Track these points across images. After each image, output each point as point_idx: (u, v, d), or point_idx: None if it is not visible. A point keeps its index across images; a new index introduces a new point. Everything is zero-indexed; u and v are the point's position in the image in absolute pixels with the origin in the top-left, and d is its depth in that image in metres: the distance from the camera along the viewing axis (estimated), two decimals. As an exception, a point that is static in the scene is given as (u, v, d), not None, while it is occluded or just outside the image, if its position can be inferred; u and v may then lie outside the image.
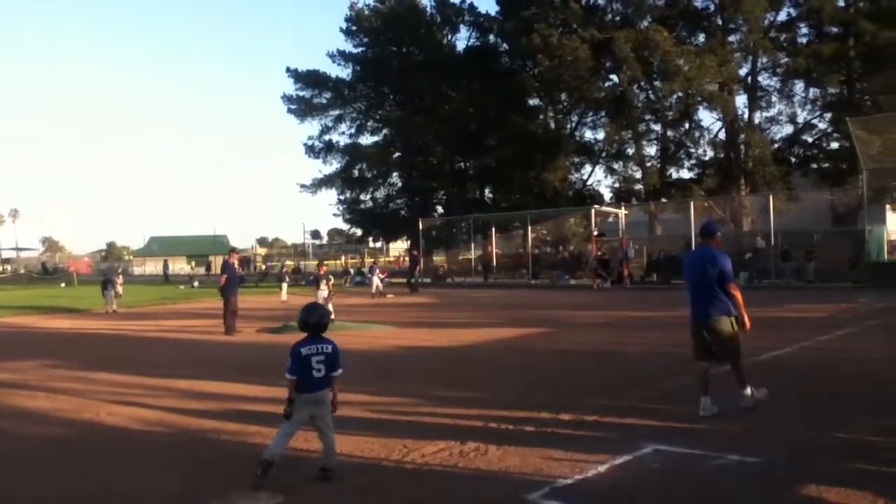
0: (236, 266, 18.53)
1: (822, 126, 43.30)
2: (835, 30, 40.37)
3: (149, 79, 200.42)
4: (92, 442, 6.96)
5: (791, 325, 15.64)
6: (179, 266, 74.22)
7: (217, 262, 51.20)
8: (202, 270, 66.46)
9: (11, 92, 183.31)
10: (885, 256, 27.02)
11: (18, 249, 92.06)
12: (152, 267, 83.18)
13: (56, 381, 10.30)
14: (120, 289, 33.68)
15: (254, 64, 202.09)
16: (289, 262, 57.15)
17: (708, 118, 67.30)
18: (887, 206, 37.31)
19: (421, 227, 42.07)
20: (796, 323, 15.89)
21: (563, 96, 47.13)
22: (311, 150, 52.44)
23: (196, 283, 44.55)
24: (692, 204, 32.96)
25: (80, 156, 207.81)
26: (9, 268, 78.90)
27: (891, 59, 35.93)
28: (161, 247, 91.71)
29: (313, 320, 5.59)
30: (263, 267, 57.80)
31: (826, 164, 42.62)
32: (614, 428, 6.68)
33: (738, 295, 7.17)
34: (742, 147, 41.66)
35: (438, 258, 48.88)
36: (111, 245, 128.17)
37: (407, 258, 34.00)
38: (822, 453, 5.81)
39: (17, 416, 8.14)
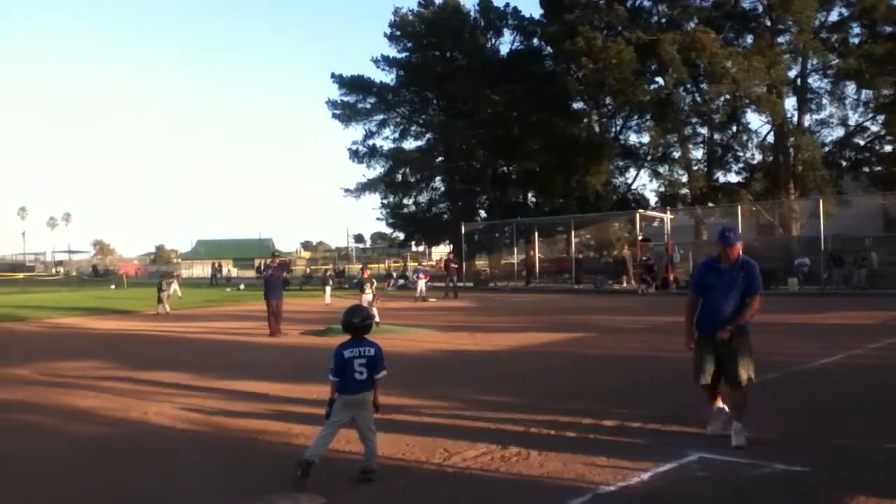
0: (279, 270, 18.66)
1: (874, 129, 42.37)
2: (888, 29, 39.40)
3: (196, 86, 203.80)
4: (138, 441, 7.08)
5: (840, 331, 15.32)
6: (228, 268, 75.23)
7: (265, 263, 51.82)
8: (250, 273, 67.30)
9: (65, 98, 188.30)
10: (940, 262, 26.28)
11: (70, 252, 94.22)
12: (199, 270, 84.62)
13: (105, 381, 10.50)
14: (179, 290, 34.45)
15: (299, 69, 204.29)
16: (332, 266, 57.68)
17: (756, 121, 65.83)
18: (943, 211, 36.39)
19: (463, 231, 42.09)
20: (846, 330, 15.57)
21: (608, 99, 46.82)
22: (355, 154, 52.84)
23: (242, 286, 45.17)
24: (739, 208, 32.42)
25: (130, 161, 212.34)
26: (61, 270, 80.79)
27: (946, 59, 35.00)
28: (208, 250, 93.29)
29: (356, 321, 5.64)
30: (307, 270, 58.28)
31: (878, 168, 41.63)
32: (658, 435, 6.60)
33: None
34: (791, 150, 40.91)
35: (481, 262, 48.84)
36: (160, 248, 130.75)
37: (444, 265, 33.92)
38: (870, 464, 5.67)
39: (67, 415, 8.32)
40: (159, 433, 7.34)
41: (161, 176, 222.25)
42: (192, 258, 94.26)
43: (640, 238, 34.03)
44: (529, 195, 52.64)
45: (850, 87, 42.04)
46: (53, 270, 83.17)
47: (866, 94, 41.88)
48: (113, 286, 49.95)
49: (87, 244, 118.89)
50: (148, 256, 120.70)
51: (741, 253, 6.43)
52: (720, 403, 6.38)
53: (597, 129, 48.75)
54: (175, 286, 34.91)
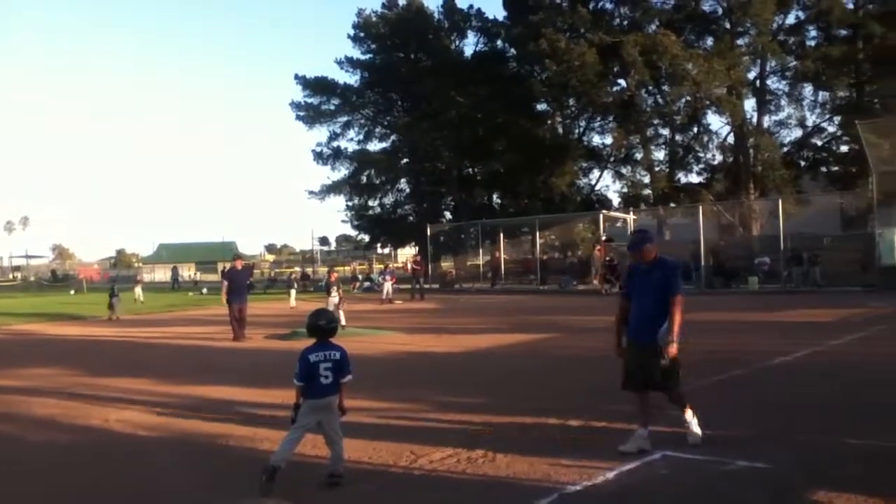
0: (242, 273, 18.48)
1: (831, 129, 43.20)
2: (843, 32, 40.23)
3: (156, 86, 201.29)
4: (100, 448, 6.98)
5: (802, 328, 15.59)
6: (189, 273, 74.39)
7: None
8: (212, 277, 66.59)
9: (21, 99, 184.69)
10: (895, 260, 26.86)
11: (29, 257, 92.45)
12: (161, 274, 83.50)
13: (66, 388, 10.33)
14: (141, 296, 33.93)
15: (262, 71, 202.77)
16: (297, 269, 57.34)
17: (716, 122, 66.85)
18: (898, 209, 37.20)
19: (429, 232, 42.06)
20: (807, 327, 15.84)
21: (571, 101, 47.09)
22: (319, 156, 52.51)
23: (205, 290, 44.66)
24: (700, 209, 32.85)
25: (89, 164, 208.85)
26: (19, 275, 79.22)
27: (900, 61, 35.78)
28: (170, 254, 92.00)
29: (322, 324, 5.61)
30: (272, 273, 57.85)
31: (836, 168, 42.47)
32: (622, 434, 6.63)
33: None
34: (751, 151, 41.55)
35: (446, 264, 48.84)
36: (120, 252, 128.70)
37: (411, 266, 33.84)
38: (833, 459, 5.77)
39: (28, 422, 8.18)
40: (121, 440, 7.23)
41: (122, 179, 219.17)
42: (154, 262, 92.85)
43: (603, 238, 34.30)
44: (495, 196, 52.78)
45: (808, 89, 42.87)
46: (11, 276, 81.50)
47: (823, 95, 42.73)
48: (73, 291, 49.10)
49: (45, 249, 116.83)
50: (109, 261, 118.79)
51: (657, 254, 6.32)
52: (643, 430, 6.12)
53: (561, 130, 49.01)
54: (138, 291, 34.49)
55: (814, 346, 12.17)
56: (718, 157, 45.46)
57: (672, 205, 42.01)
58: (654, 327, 6.02)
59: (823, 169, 43.22)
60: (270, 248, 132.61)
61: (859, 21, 38.44)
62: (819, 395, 8.42)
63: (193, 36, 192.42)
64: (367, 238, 57.21)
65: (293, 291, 30.57)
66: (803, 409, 7.64)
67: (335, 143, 52.51)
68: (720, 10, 42.43)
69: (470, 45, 51.99)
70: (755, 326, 16.55)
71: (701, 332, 15.70)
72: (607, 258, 32.69)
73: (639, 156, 46.68)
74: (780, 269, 29.23)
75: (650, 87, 44.34)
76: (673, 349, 5.91)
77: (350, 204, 53.42)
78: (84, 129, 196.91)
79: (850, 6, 39.79)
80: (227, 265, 22.48)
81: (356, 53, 51.49)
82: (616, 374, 6.45)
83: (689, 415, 6.18)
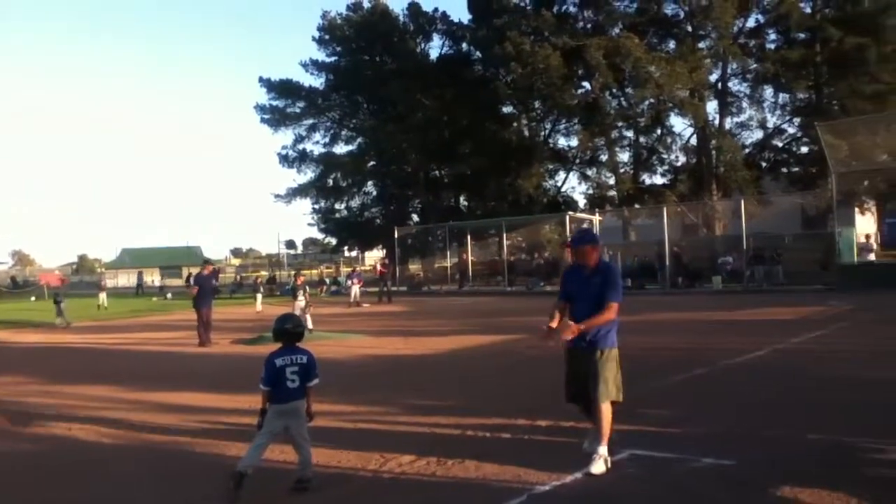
0: (211, 278, 18.35)
1: (791, 131, 43.93)
2: (802, 36, 40.90)
3: (119, 88, 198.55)
4: (62, 457, 6.85)
5: (764, 327, 15.83)
6: (152, 278, 73.50)
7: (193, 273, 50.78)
8: (179, 282, 65.83)
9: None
10: (855, 259, 27.42)
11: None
12: (125, 279, 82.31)
13: (27, 396, 10.14)
14: (105, 301, 33.38)
15: (227, 73, 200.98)
16: (263, 273, 56.82)
17: (679, 124, 67.88)
18: (856, 209, 38.01)
19: (396, 235, 42.02)
20: (769, 325, 16.08)
21: (537, 104, 47.31)
22: (285, 159, 52.19)
23: (169, 295, 44.13)
24: (665, 209, 33.22)
25: (50, 167, 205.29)
26: (-23, 282, 77.49)
27: (856, 64, 36.57)
28: (133, 259, 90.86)
29: (288, 328, 5.58)
30: (237, 277, 57.26)
31: (796, 169, 43.14)
32: (590, 433, 6.69)
33: None
34: (713, 152, 42.09)
35: (414, 266, 48.81)
36: (83, 258, 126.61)
37: (379, 269, 33.73)
38: (797, 455, 5.87)
39: (-14, 433, 8.00)
40: (85, 449, 7.12)
41: (83, 183, 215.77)
42: (118, 267, 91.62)
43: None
44: (462, 199, 52.85)
45: (769, 91, 43.49)
46: (-32, 283, 79.64)
47: (783, 97, 43.41)
48: (34, 298, 48.14)
49: (4, 255, 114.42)
50: (70, 266, 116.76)
51: (601, 259, 6.01)
52: (606, 445, 5.74)
53: (527, 132, 49.22)
54: (102, 296, 33.98)
55: (776, 345, 12.36)
56: (682, 159, 46.02)
57: (637, 206, 42.41)
58: (593, 335, 5.71)
59: (784, 170, 43.90)
60: (236, 252, 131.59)
61: (817, 25, 39.15)
62: (782, 392, 8.56)
63: (156, 38, 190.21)
64: (334, 241, 56.99)
65: (259, 296, 30.32)
66: (767, 407, 7.76)
67: (301, 146, 52.32)
68: (682, 14, 42.96)
69: (435, 47, 52.15)
70: (719, 325, 16.77)
71: (665, 332, 15.93)
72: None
73: (604, 158, 47.08)
74: (743, 268, 29.66)
75: (614, 90, 44.71)
76: (575, 328, 5.57)
77: (317, 207, 53.23)
78: (43, 132, 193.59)
79: (808, 11, 40.56)
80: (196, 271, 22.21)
81: (321, 56, 51.37)
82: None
83: (603, 449, 5.60)
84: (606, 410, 5.63)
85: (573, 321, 5.72)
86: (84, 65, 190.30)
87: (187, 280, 33.40)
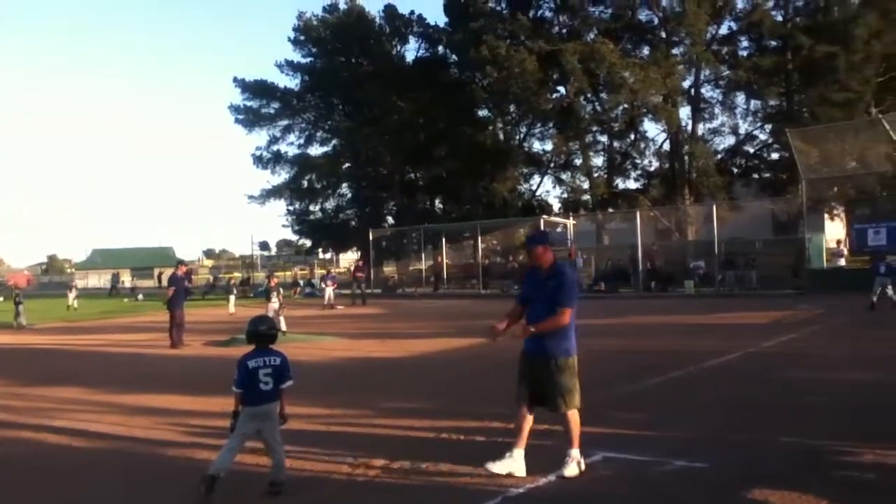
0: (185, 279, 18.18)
1: (762, 137, 44.44)
2: (774, 43, 41.45)
3: (91, 86, 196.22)
4: (33, 460, 6.75)
5: (736, 331, 16.00)
6: (123, 279, 72.65)
7: (165, 273, 50.21)
8: (152, 283, 65.15)
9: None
10: (825, 264, 27.82)
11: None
12: (96, 280, 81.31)
13: (-5, 399, 9.97)
14: (74, 302, 32.95)
15: (199, 73, 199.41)
16: (236, 274, 56.39)
17: (653, 129, 68.72)
18: (825, 215, 38.59)
19: (371, 237, 41.91)
20: (741, 329, 16.26)
21: (512, 107, 47.48)
22: (259, 160, 51.83)
23: (140, 296, 43.65)
24: (638, 214, 33.48)
25: (18, 166, 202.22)
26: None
27: (827, 72, 37.12)
28: (105, 259, 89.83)
29: (261, 330, 5.54)
30: (210, 279, 56.79)
31: (767, 174, 43.68)
32: (564, 436, 6.72)
33: None
34: (686, 158, 42.48)
35: (389, 269, 48.69)
36: (52, 258, 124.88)
37: (354, 272, 33.64)
38: (768, 457, 5.93)
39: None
40: (56, 453, 7.00)
41: (53, 181, 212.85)
42: (89, 268, 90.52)
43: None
44: (437, 201, 52.83)
45: (741, 98, 43.96)
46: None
47: (755, 104, 43.92)
48: (1, 298, 47.37)
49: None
50: (40, 266, 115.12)
51: (557, 262, 5.81)
52: (518, 449, 5.61)
53: (502, 136, 49.37)
54: (72, 297, 33.54)
55: (747, 348, 12.50)
56: (655, 164, 46.38)
57: (611, 210, 42.68)
58: (547, 340, 5.57)
59: (755, 176, 44.45)
60: (209, 254, 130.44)
61: (788, 33, 39.70)
62: (754, 395, 8.64)
63: (130, 36, 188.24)
64: (308, 243, 56.69)
65: (232, 297, 30.07)
66: (739, 409, 7.83)
67: (275, 147, 51.98)
68: (656, 20, 43.36)
69: (411, 50, 52.10)
70: (692, 329, 16.93)
71: (640, 335, 16.04)
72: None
73: (578, 162, 47.32)
74: (715, 272, 29.97)
75: (589, 95, 45.00)
76: (526, 329, 5.56)
77: (291, 208, 52.92)
78: (11, 130, 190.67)
79: (780, 19, 41.13)
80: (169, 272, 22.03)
81: (297, 57, 51.11)
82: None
83: (575, 451, 5.57)
84: (573, 417, 5.59)
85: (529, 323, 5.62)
86: (60, 64, 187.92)
87: (159, 279, 32.96)
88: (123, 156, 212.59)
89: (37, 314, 25.25)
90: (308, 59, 50.96)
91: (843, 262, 29.09)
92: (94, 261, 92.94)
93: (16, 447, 7.29)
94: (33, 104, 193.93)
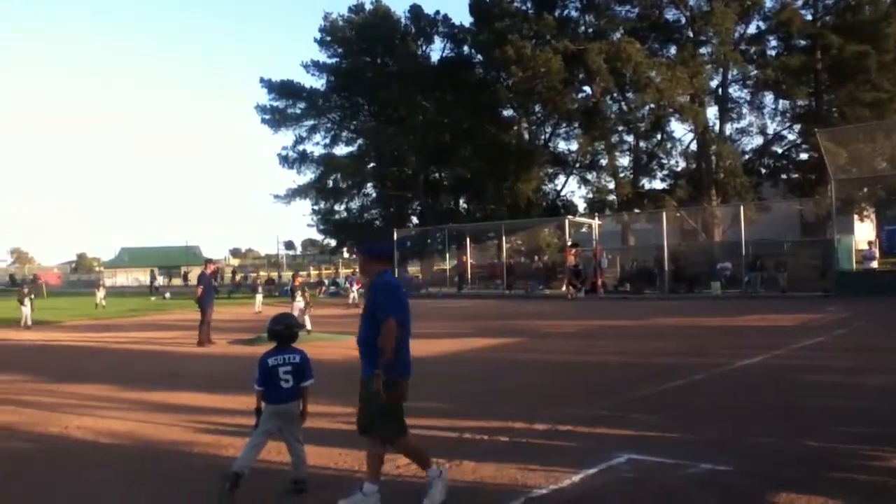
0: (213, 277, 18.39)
1: (791, 137, 44.05)
2: (803, 43, 41.04)
3: (119, 88, 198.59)
4: (59, 456, 6.82)
5: (762, 333, 15.82)
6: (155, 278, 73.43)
7: (194, 273, 50.67)
8: (178, 281, 65.81)
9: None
10: (854, 266, 27.41)
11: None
12: (124, 278, 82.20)
13: (25, 395, 10.11)
14: (103, 301, 33.34)
15: (227, 74, 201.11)
16: (262, 273, 56.77)
17: (679, 129, 68.00)
18: (855, 216, 38.05)
19: (395, 237, 41.96)
20: (767, 332, 16.08)
21: (537, 107, 47.42)
22: (285, 160, 52.24)
23: (168, 295, 44.09)
24: (664, 214, 33.24)
25: (50, 167, 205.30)
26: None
27: (856, 71, 36.68)
28: (132, 258, 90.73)
29: (279, 328, 5.56)
30: (237, 277, 57.21)
31: (795, 175, 43.26)
32: (587, 437, 6.69)
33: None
34: (713, 158, 42.16)
35: (413, 268, 48.77)
36: (81, 256, 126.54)
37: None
38: (794, 461, 5.85)
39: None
40: (82, 449, 7.08)
41: (83, 182, 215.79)
42: (116, 266, 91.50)
43: (569, 244, 34.52)
44: (461, 201, 52.88)
45: (769, 97, 43.66)
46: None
47: (783, 103, 43.55)
48: (32, 296, 47.99)
49: (3, 253, 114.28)
50: (69, 265, 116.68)
51: (378, 272, 5.24)
52: (370, 484, 4.99)
53: (527, 136, 49.33)
54: (100, 295, 33.95)
55: (773, 351, 12.35)
56: (681, 164, 46.15)
57: (636, 210, 42.45)
58: (368, 358, 5.11)
59: (783, 176, 44.04)
60: (235, 252, 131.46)
61: (818, 32, 39.26)
62: (778, 398, 8.54)
63: (157, 39, 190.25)
64: (333, 242, 56.96)
65: (259, 296, 30.29)
66: (765, 413, 7.74)
67: (301, 147, 52.39)
68: (683, 20, 43.09)
69: (436, 50, 52.26)
70: (716, 331, 16.77)
71: (664, 337, 15.93)
72: (573, 263, 32.93)
73: (604, 162, 47.18)
74: (742, 274, 29.67)
75: (615, 95, 44.82)
76: (378, 384, 4.87)
77: (316, 208, 53.28)
78: (43, 132, 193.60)
79: (809, 18, 40.66)
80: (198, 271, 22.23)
81: (322, 57, 51.49)
82: (582, 380, 6.45)
83: (432, 471, 5.09)
84: (403, 445, 5.10)
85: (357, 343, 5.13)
86: (87, 66, 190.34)
87: (185, 277, 33.24)
88: (153, 156, 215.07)
89: (65, 312, 25.57)
90: (334, 60, 51.28)
91: (874, 264, 28.62)
92: (122, 259, 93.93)
93: (41, 443, 7.38)
94: (66, 107, 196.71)
